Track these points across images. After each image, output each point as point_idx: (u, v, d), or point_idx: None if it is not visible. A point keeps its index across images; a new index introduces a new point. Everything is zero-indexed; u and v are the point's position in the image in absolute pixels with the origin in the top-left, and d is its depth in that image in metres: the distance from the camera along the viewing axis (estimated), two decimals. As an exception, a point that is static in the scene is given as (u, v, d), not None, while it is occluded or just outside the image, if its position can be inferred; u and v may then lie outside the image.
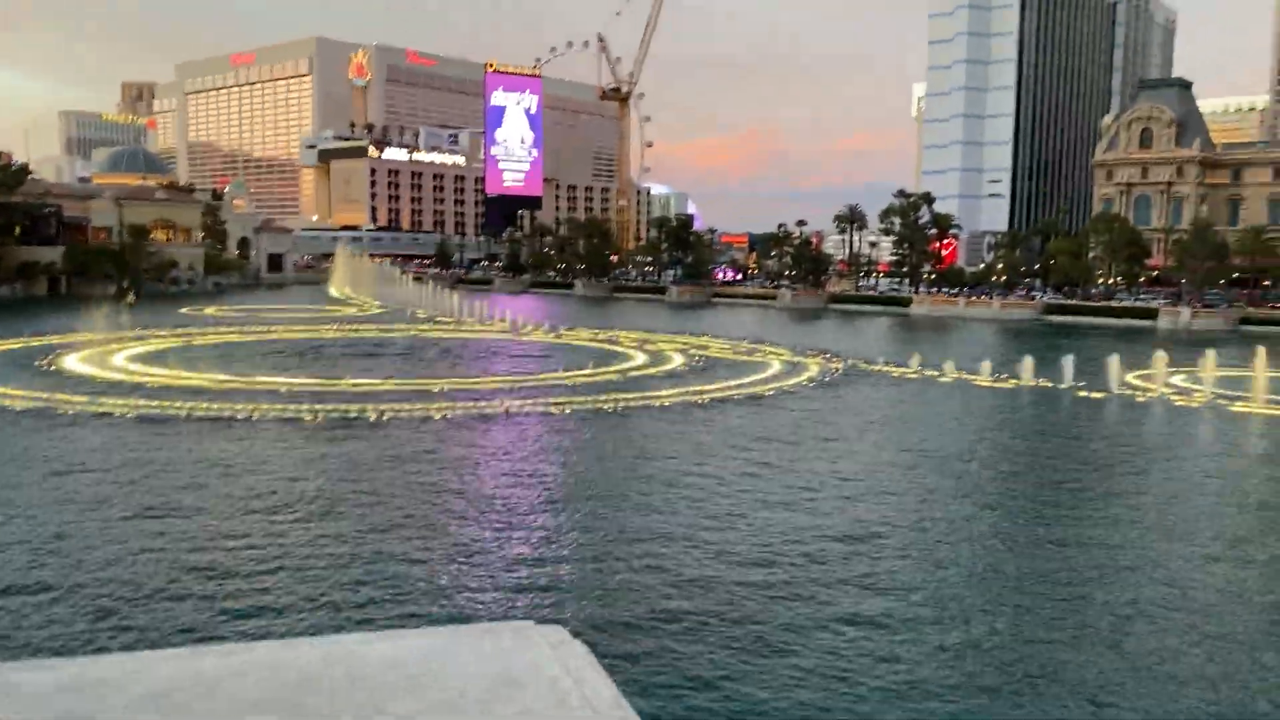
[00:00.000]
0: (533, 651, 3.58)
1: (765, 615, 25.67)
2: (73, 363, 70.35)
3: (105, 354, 76.03)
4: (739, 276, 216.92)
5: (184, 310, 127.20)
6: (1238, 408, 61.43)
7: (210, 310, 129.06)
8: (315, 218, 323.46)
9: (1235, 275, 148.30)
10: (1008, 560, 31.06)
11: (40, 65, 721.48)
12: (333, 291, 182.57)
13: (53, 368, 68.33)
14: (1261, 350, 69.27)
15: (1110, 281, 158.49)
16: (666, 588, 27.56)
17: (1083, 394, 66.46)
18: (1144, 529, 34.72)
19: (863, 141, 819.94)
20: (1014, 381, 70.91)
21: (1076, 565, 30.54)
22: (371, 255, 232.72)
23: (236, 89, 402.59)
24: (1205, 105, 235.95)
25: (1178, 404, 63.42)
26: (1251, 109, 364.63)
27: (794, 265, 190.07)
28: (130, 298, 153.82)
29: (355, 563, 29.27)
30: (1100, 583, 28.91)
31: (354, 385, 62.34)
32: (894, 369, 76.80)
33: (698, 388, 64.03)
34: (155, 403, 53.97)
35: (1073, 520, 35.67)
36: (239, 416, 51.28)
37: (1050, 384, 69.87)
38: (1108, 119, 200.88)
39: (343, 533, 32.12)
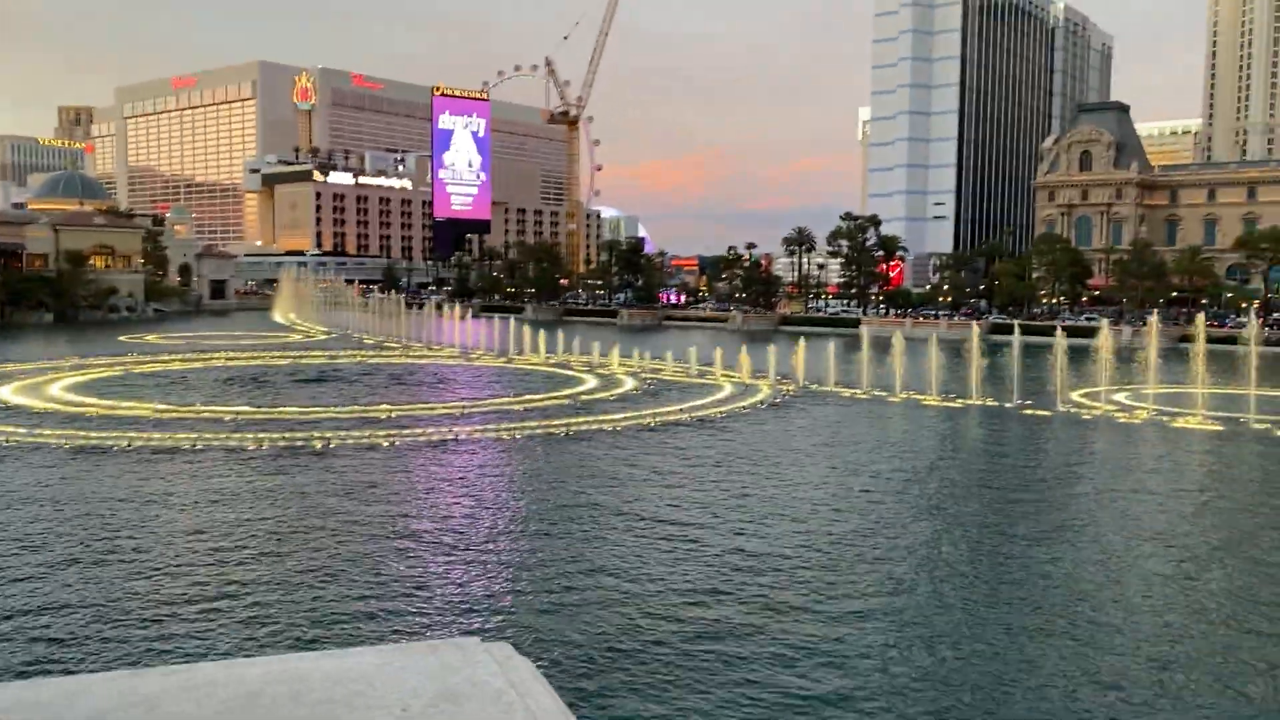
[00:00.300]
0: (478, 667, 3.57)
1: (712, 635, 25.30)
2: (7, 393, 68.21)
3: (42, 384, 73.87)
4: (684, 299, 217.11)
5: (124, 338, 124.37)
6: (1178, 423, 62.48)
7: (151, 338, 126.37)
8: (259, 243, 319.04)
9: (1174, 294, 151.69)
10: (964, 582, 31.01)
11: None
12: (278, 317, 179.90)
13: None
14: (1200, 368, 70.61)
15: (1054, 301, 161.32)
16: (615, 610, 27.09)
17: (1029, 412, 67.24)
18: (1086, 545, 34.91)
19: (811, 164, 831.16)
20: (961, 401, 71.57)
21: (1026, 580, 30.59)
22: (318, 281, 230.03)
23: (178, 113, 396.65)
24: (1142, 129, 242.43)
25: (1120, 420, 64.36)
26: (1186, 132, 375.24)
27: (744, 288, 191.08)
28: (48, 317, 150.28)
29: (300, 590, 28.45)
30: (1047, 602, 28.95)
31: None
32: (844, 390, 77.16)
33: (649, 411, 63.71)
34: (94, 434, 52.41)
35: (1021, 539, 35.78)
36: (181, 446, 49.95)
37: (997, 403, 70.63)
38: (1048, 142, 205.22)
39: (287, 562, 31.24)
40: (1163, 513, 40.27)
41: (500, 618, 26.79)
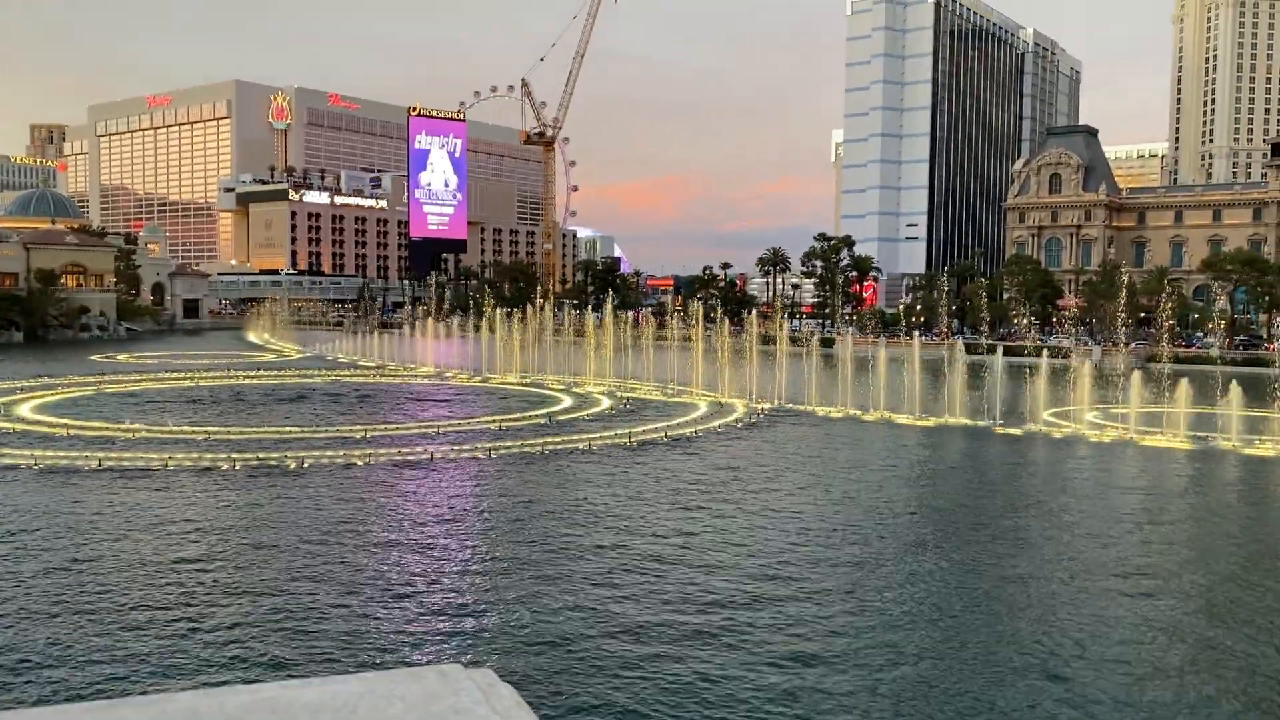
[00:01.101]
0: (460, 695, 3.55)
1: (690, 658, 25.48)
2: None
3: (11, 404, 73.17)
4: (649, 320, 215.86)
5: (95, 357, 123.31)
6: (1148, 442, 63.37)
7: (123, 357, 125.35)
8: (234, 262, 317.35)
9: (1142, 315, 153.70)
10: (938, 600, 31.35)
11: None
12: (251, 337, 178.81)
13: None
14: (1168, 387, 71.68)
15: (1025, 321, 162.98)
16: (595, 634, 27.22)
17: (1001, 430, 67.95)
18: (1057, 563, 35.37)
19: (785, 186, 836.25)
20: (935, 420, 72.21)
21: (997, 598, 30.96)
22: (293, 300, 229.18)
23: (152, 131, 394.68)
24: (1110, 151, 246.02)
25: (1092, 439, 65.16)
26: (1154, 155, 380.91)
27: (720, 308, 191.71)
28: (18, 336, 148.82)
29: (276, 615, 28.36)
30: (1015, 616, 29.31)
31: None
32: (819, 409, 77.66)
33: (625, 430, 63.91)
34: (64, 454, 52.01)
35: (993, 556, 36.20)
36: (153, 467, 49.65)
37: (970, 422, 71.32)
38: (1019, 164, 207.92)
39: (262, 586, 31.13)
40: (1131, 532, 40.83)
41: (482, 643, 26.69)
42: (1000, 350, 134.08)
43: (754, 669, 24.87)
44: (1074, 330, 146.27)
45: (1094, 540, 38.76)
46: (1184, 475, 54.13)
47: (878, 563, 35.02)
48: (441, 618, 28.62)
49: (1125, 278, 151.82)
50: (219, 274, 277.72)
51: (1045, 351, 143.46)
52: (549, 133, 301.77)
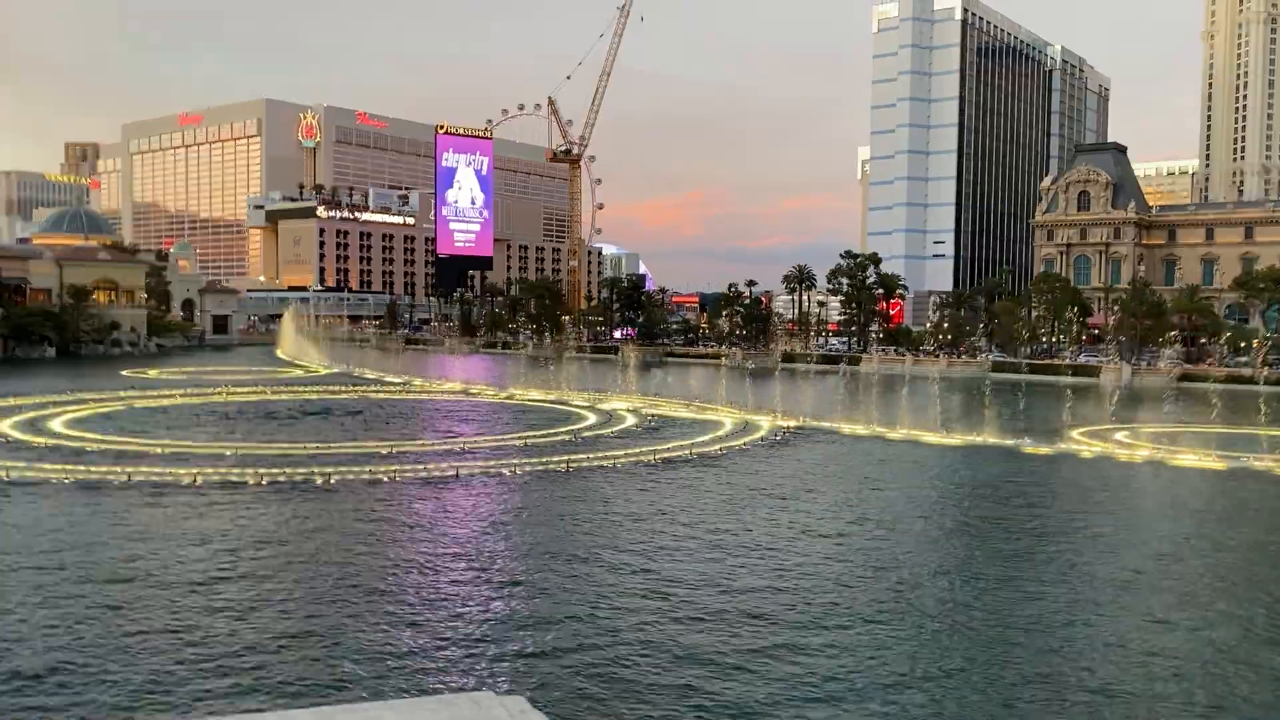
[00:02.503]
0: None
1: (728, 682, 25.27)
2: (7, 428, 68.31)
3: (43, 418, 73.99)
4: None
5: (126, 373, 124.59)
6: (1178, 462, 62.47)
7: (153, 373, 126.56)
8: (263, 278, 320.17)
9: (1173, 334, 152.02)
10: (967, 628, 30.97)
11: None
12: (280, 353, 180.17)
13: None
14: (1201, 406, 70.76)
15: (1054, 340, 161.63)
16: (627, 659, 27.02)
17: (1029, 450, 67.21)
18: (1087, 588, 34.86)
19: (810, 203, 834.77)
20: (962, 439, 71.54)
21: (1023, 625, 30.54)
22: (320, 317, 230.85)
23: (183, 149, 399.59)
24: (1139, 169, 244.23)
25: (1121, 459, 64.31)
26: (1184, 172, 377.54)
27: (744, 325, 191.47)
28: (51, 351, 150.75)
29: (304, 639, 28.37)
30: (1052, 650, 28.88)
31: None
32: (844, 426, 77.18)
33: (650, 448, 63.75)
34: (94, 469, 52.47)
35: (1020, 581, 35.74)
36: (181, 481, 50.00)
37: (997, 440, 70.60)
38: (1046, 182, 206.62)
39: (291, 607, 31.16)
40: (1157, 553, 40.21)
41: (513, 669, 26.36)
42: (1028, 370, 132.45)
43: (791, 700, 24.61)
44: (1115, 348, 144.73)
45: (1130, 563, 38.19)
46: (1218, 496, 53.29)
47: (911, 586, 34.66)
48: (471, 643, 28.25)
49: (1155, 296, 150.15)
50: (248, 290, 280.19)
51: (1075, 371, 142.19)
52: (575, 150, 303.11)
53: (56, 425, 70.52)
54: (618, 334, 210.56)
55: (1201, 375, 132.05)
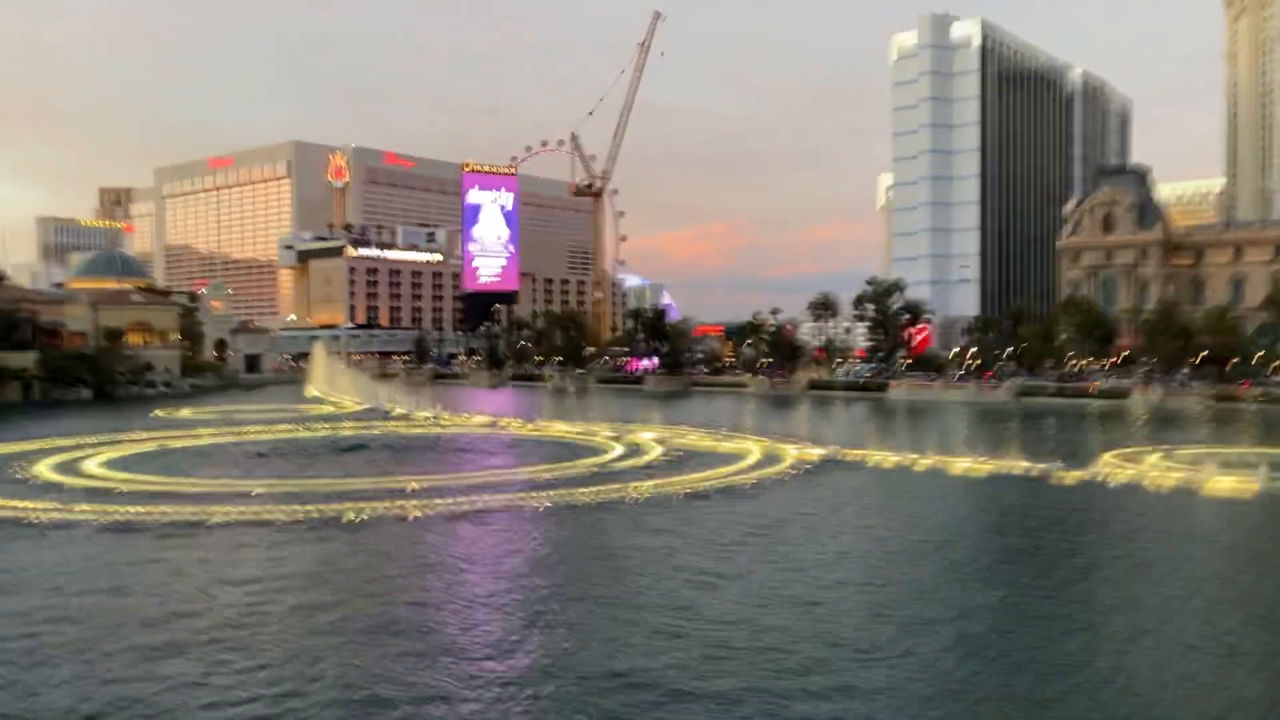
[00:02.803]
0: None
1: (750, 714, 25.37)
2: (43, 469, 69.52)
3: (78, 460, 75.24)
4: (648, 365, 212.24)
5: (159, 413, 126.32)
6: (1215, 485, 61.75)
7: (185, 412, 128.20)
8: (293, 317, 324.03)
9: (1202, 355, 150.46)
10: (1013, 663, 30.92)
11: (17, 171, 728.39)
12: (310, 391, 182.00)
13: (23, 475, 67.47)
14: (1234, 429, 70.00)
15: (1082, 364, 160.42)
16: (659, 698, 26.90)
17: (1060, 476, 66.69)
18: (1121, 624, 34.66)
19: (833, 230, 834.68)
20: (992, 465, 71.11)
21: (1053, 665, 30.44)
22: (350, 354, 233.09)
23: (214, 192, 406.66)
24: (1163, 189, 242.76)
25: (1157, 484, 63.68)
26: (1209, 192, 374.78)
27: (770, 353, 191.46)
28: (86, 393, 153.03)
29: (335, 678, 28.73)
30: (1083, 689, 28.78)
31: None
32: (871, 455, 76.94)
33: (675, 479, 63.90)
34: (128, 508, 53.33)
35: (1048, 619, 35.59)
36: (212, 520, 50.72)
37: (1027, 467, 70.12)
38: (1070, 205, 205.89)
39: (320, 646, 31.52)
40: (1196, 581, 39.89)
41: (538, 708, 26.25)
42: (1058, 394, 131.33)
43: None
44: (1149, 372, 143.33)
45: (1168, 594, 37.93)
46: (1257, 524, 52.72)
47: (939, 622, 34.61)
48: (496, 683, 28.15)
49: (1183, 317, 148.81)
50: (280, 329, 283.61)
51: (1105, 394, 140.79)
52: (597, 184, 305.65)
53: (92, 465, 71.68)
54: (643, 364, 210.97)
55: (1232, 396, 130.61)
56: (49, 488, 62.08)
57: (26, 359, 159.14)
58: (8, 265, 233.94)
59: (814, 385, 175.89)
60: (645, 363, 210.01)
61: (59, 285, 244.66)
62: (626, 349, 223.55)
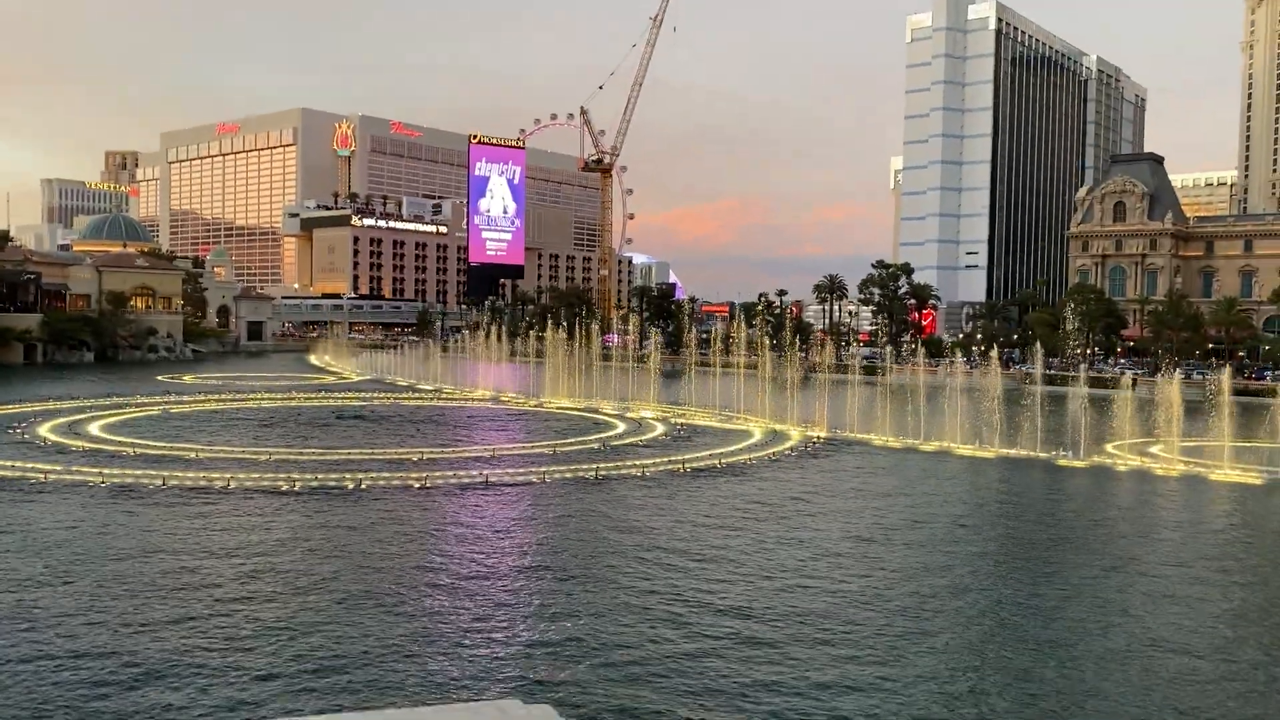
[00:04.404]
0: None
1: (741, 690, 25.20)
2: (46, 431, 69.42)
3: (81, 422, 75.13)
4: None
5: (162, 378, 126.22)
6: (1216, 477, 61.55)
7: (188, 378, 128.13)
8: (297, 286, 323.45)
9: (1210, 346, 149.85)
10: (998, 645, 30.71)
11: (23, 134, 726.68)
12: (313, 359, 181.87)
13: (27, 436, 67.38)
14: (1239, 420, 69.63)
15: (1088, 352, 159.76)
16: (656, 670, 26.97)
17: (1064, 463, 66.49)
18: (1121, 612, 34.46)
19: (843, 212, 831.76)
20: (995, 451, 70.88)
21: (1053, 645, 30.23)
22: (353, 324, 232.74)
23: (220, 158, 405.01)
24: (1176, 179, 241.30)
25: (1158, 473, 63.47)
26: (1221, 183, 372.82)
27: (775, 334, 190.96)
28: (89, 356, 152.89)
29: (331, 644, 28.57)
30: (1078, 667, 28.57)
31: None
32: (875, 438, 76.72)
33: (679, 456, 63.70)
34: (130, 472, 53.21)
35: (1051, 599, 35.39)
36: (215, 486, 50.58)
37: (1031, 453, 69.91)
38: (1082, 192, 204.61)
39: (316, 612, 31.39)
40: (1192, 570, 39.66)
41: (538, 676, 26.29)
42: (1061, 381, 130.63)
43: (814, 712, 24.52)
44: (1151, 360, 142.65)
45: (1169, 587, 37.71)
46: (1259, 512, 52.47)
47: (936, 606, 34.40)
48: (498, 650, 28.30)
49: (1192, 308, 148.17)
50: (283, 297, 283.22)
51: (1108, 382, 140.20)
52: (606, 160, 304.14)
53: (94, 429, 71.59)
54: (647, 342, 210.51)
55: (1239, 389, 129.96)
56: (53, 449, 61.95)
57: (30, 321, 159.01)
58: (13, 227, 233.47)
59: (817, 367, 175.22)
60: (613, 338, 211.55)
61: (64, 247, 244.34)
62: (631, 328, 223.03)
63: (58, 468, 53.80)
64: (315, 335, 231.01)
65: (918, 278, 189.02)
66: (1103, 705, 25.18)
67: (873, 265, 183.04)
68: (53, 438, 66.47)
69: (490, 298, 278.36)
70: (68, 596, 31.93)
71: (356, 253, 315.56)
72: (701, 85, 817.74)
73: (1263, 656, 29.05)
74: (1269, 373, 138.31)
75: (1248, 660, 28.70)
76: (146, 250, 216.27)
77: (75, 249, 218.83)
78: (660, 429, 79.95)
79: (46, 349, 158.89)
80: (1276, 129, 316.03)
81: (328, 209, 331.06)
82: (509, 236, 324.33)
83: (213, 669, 25.93)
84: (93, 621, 29.42)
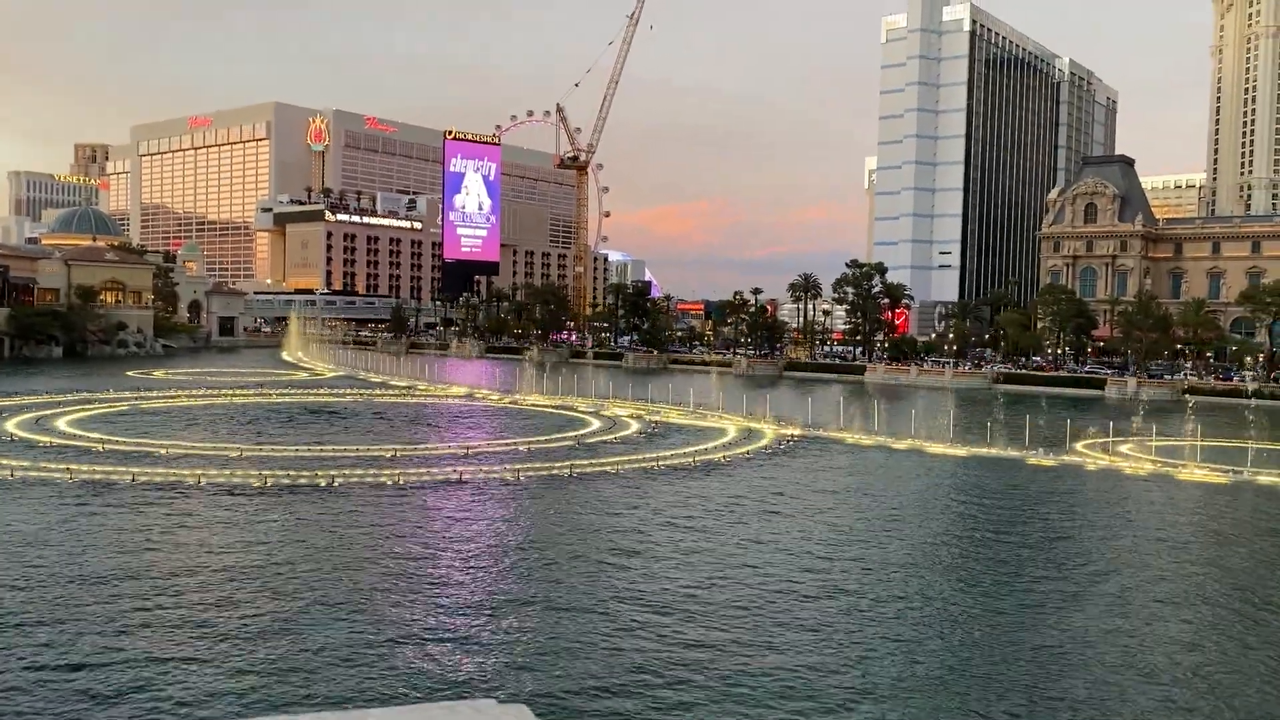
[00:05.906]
0: None
1: (711, 689, 25.29)
2: (12, 427, 68.52)
3: (48, 417, 74.21)
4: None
5: (131, 373, 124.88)
6: (1183, 475, 62.33)
7: (158, 373, 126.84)
8: (269, 281, 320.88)
9: (1178, 347, 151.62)
10: (971, 646, 30.97)
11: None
12: (285, 355, 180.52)
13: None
14: (1206, 420, 70.56)
15: (1058, 352, 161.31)
16: (630, 669, 26.99)
17: (1034, 462, 67.09)
18: (1089, 608, 34.83)
19: (816, 212, 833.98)
20: (967, 449, 71.44)
21: (1018, 639, 30.53)
22: (325, 319, 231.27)
23: (192, 151, 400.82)
24: (1146, 181, 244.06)
25: (1127, 471, 64.19)
26: (1191, 185, 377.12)
27: (749, 333, 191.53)
28: (57, 351, 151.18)
29: (303, 645, 28.42)
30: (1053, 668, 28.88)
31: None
32: (849, 436, 77.11)
33: (653, 454, 63.76)
34: (99, 468, 52.63)
35: (1019, 595, 35.72)
36: (185, 482, 50.12)
37: (1002, 452, 70.50)
38: (1053, 194, 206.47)
39: (289, 613, 31.19)
40: (1166, 566, 40.16)
41: (514, 676, 26.26)
42: (1033, 381, 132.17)
43: (787, 704, 24.64)
44: (1140, 362, 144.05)
45: (1142, 578, 38.16)
46: (1226, 510, 53.18)
47: (911, 599, 34.63)
48: (474, 650, 28.21)
49: (1161, 309, 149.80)
50: (255, 293, 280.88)
51: (1080, 383, 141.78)
52: (582, 157, 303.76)
53: (62, 424, 70.75)
54: (623, 340, 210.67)
55: (1207, 389, 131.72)
56: (19, 445, 61.17)
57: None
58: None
59: (791, 366, 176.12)
60: (568, 336, 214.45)
61: (32, 241, 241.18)
62: (606, 324, 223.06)
63: (24, 463, 53.13)
64: (286, 331, 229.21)
65: (891, 277, 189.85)
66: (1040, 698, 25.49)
67: (846, 265, 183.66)
68: (19, 433, 65.62)
69: (465, 294, 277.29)
70: (32, 597, 31.53)
71: (330, 248, 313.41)
72: (679, 84, 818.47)
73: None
74: (1234, 374, 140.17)
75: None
76: (116, 244, 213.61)
77: (44, 242, 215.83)
78: (635, 426, 79.96)
79: (14, 343, 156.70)
80: (1245, 133, 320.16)
81: (301, 204, 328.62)
82: (484, 233, 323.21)
83: (184, 669, 25.71)
84: (60, 619, 29.08)
